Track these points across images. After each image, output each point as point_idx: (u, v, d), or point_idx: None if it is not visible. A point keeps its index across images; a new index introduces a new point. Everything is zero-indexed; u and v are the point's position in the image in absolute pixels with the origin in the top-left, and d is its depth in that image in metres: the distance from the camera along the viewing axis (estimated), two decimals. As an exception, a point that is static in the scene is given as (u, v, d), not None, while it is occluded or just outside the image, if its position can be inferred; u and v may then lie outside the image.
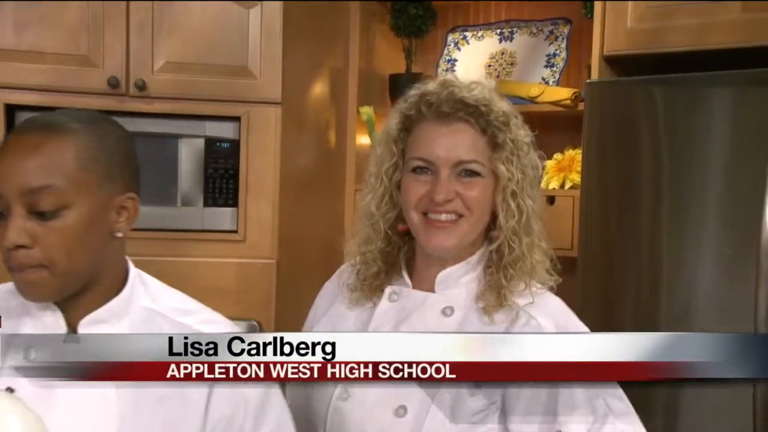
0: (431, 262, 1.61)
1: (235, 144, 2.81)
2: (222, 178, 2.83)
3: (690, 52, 2.49)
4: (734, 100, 2.33)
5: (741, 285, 2.27)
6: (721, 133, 2.34)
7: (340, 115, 3.24)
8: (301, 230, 3.00)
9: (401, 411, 1.52)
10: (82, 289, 1.36)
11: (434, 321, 1.57)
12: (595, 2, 2.60)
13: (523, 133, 1.58)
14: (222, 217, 2.84)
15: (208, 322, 1.45)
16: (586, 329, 1.58)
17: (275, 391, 1.44)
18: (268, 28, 2.82)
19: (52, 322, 1.37)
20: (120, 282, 1.41)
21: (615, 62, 2.65)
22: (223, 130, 2.83)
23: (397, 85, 3.26)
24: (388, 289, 1.64)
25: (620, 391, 1.52)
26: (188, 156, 2.84)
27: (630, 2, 2.57)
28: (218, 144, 2.82)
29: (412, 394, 1.53)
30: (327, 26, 3.16)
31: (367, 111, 3.17)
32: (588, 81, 2.52)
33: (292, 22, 2.86)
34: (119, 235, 1.37)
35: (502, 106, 1.57)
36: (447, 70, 3.33)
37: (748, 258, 2.26)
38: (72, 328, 1.37)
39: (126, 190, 1.37)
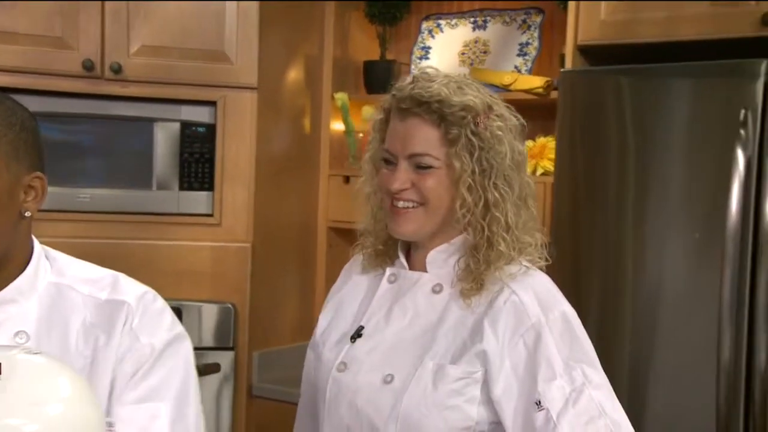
0: (418, 245, 1.69)
1: (210, 128, 2.86)
2: (197, 162, 2.87)
3: (660, 44, 2.54)
4: (699, 90, 2.38)
5: (707, 267, 2.33)
6: (686, 121, 2.40)
7: (315, 101, 3.28)
8: (276, 214, 3.05)
9: (389, 378, 1.60)
10: None
11: (425, 298, 1.65)
12: None
13: (495, 125, 1.62)
14: (197, 200, 2.88)
15: (117, 291, 1.47)
16: (569, 307, 1.63)
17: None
18: (244, 13, 2.86)
19: None
20: (27, 261, 1.42)
21: (588, 52, 2.68)
22: (199, 115, 2.88)
23: (372, 72, 3.34)
24: (388, 271, 1.72)
25: (597, 363, 1.59)
26: (164, 140, 2.89)
27: None
28: (194, 128, 2.86)
29: (400, 364, 1.61)
30: (302, 13, 3.19)
31: (341, 97, 3.22)
32: (562, 70, 2.57)
33: (268, 7, 2.90)
34: (27, 214, 1.36)
35: (464, 100, 1.60)
36: (421, 57, 3.35)
37: (714, 241, 2.31)
38: None
39: (33, 170, 1.37)
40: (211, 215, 2.85)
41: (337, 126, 3.33)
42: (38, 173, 1.37)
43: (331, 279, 3.24)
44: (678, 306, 2.37)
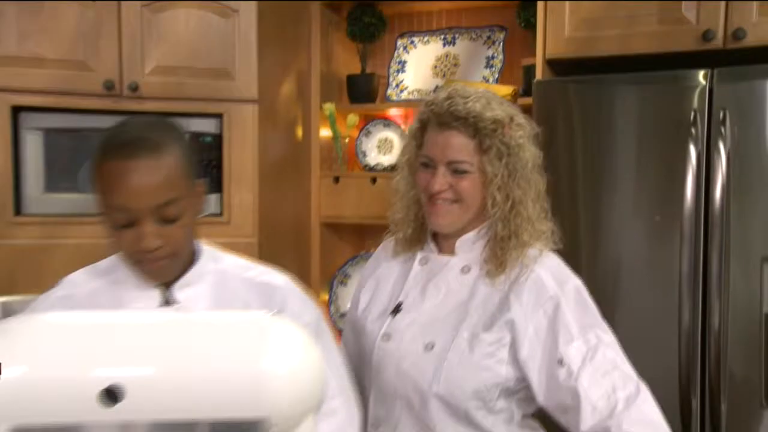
0: (447, 232, 1.78)
1: (217, 138, 2.85)
2: (207, 168, 2.86)
3: (616, 57, 2.62)
4: (652, 96, 2.45)
5: (666, 245, 2.42)
6: (644, 122, 2.48)
7: (305, 111, 3.30)
8: (277, 212, 3.07)
9: (430, 345, 1.69)
10: None
11: (455, 278, 1.75)
12: (538, 13, 2.70)
13: (518, 134, 1.71)
14: (208, 202, 2.89)
15: (264, 274, 1.62)
16: (579, 281, 1.73)
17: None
18: (244, 35, 2.87)
19: (157, 292, 1.52)
20: (192, 253, 1.55)
21: (554, 64, 2.75)
22: (207, 126, 2.87)
23: (354, 85, 3.38)
24: (419, 255, 1.81)
25: (606, 326, 1.70)
26: None
27: (567, 13, 2.67)
28: (203, 138, 2.85)
29: (439, 333, 1.70)
30: (292, 34, 3.21)
31: (329, 107, 3.26)
32: (535, 81, 2.62)
33: (264, 30, 2.91)
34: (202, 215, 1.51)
35: (494, 114, 1.69)
36: (398, 71, 3.39)
37: (672, 223, 2.41)
38: (165, 293, 1.51)
39: (196, 180, 1.49)
40: (220, 215, 2.86)
41: (325, 133, 3.35)
42: (198, 182, 1.49)
43: (324, 267, 3.34)
44: (641, 280, 2.44)
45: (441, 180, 1.70)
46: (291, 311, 1.56)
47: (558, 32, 2.69)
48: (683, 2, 2.54)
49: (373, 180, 3.25)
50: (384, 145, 3.40)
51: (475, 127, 1.68)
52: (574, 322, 1.67)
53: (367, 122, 3.43)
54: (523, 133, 1.73)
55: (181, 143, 1.45)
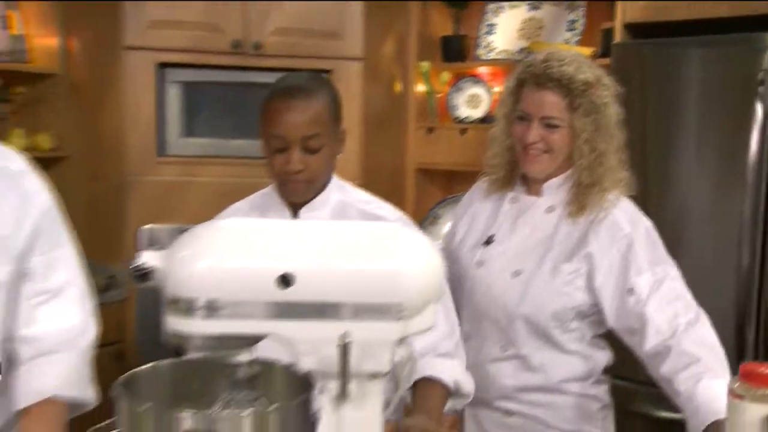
0: (537, 178, 1.83)
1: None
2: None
3: (691, 21, 2.59)
4: (722, 58, 2.44)
5: (730, 194, 2.43)
6: (716, 82, 2.45)
7: (403, 69, 3.35)
8: (377, 159, 3.15)
9: (517, 273, 1.76)
10: None
11: (541, 216, 1.80)
12: None
13: (604, 94, 1.74)
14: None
15: (381, 208, 1.73)
16: (650, 222, 1.76)
17: None
18: (353, 3, 2.94)
19: (288, 214, 1.68)
20: (327, 184, 1.69)
21: (632, 28, 2.74)
22: None
23: (447, 45, 3.40)
24: (509, 195, 1.86)
25: (672, 262, 1.73)
26: None
27: None
28: None
29: (526, 263, 1.77)
30: (393, 1, 3.24)
31: (424, 65, 3.30)
32: (613, 42, 2.63)
33: None
34: (339, 155, 1.68)
35: (585, 77, 1.71)
36: (487, 33, 3.38)
37: (737, 172, 2.40)
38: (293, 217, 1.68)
39: (340, 126, 1.66)
40: (329, 160, 2.98)
41: (420, 88, 3.39)
42: (342, 128, 1.66)
43: (417, 208, 3.39)
44: (704, 224, 2.45)
45: (535, 132, 1.74)
46: None
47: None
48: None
49: (463, 131, 3.27)
50: (473, 100, 3.38)
51: (567, 87, 1.71)
52: (644, 258, 1.71)
53: (458, 79, 3.41)
54: (608, 93, 1.75)
55: (329, 94, 1.63)
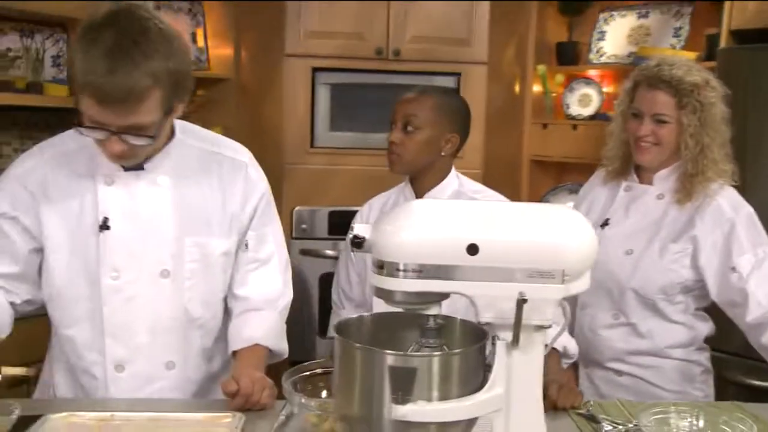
0: (648, 167, 1.86)
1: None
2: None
3: None
4: None
5: None
6: None
7: (522, 71, 3.36)
8: (497, 150, 3.18)
9: (630, 251, 1.81)
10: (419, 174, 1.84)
11: (651, 203, 1.84)
12: None
13: (711, 95, 1.76)
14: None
15: (489, 197, 1.82)
16: (751, 208, 1.76)
17: None
18: (480, 12, 2.98)
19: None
20: (445, 176, 1.83)
21: (736, 34, 2.70)
22: (448, 82, 3.00)
23: (562, 50, 3.40)
24: (624, 183, 1.90)
25: None
26: None
27: None
28: None
29: (637, 243, 1.81)
30: (515, 11, 3.27)
31: (541, 68, 3.32)
32: (720, 47, 2.60)
33: (493, 8, 3.00)
34: (443, 154, 1.80)
35: (693, 79, 1.74)
36: (598, 39, 3.37)
37: None
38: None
39: (452, 132, 1.77)
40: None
41: (537, 88, 3.40)
42: (454, 134, 1.78)
43: (530, 195, 3.38)
44: None
45: (646, 127, 1.78)
46: None
47: (742, 7, 2.65)
48: None
49: (574, 127, 3.27)
50: (584, 99, 3.36)
51: (676, 88, 1.75)
52: (746, 240, 1.72)
53: (571, 80, 3.40)
54: (715, 93, 1.77)
55: (446, 100, 1.80)
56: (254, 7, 3.06)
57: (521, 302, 0.96)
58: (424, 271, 0.98)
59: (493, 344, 1.03)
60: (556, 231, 0.99)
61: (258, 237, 1.56)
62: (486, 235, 0.97)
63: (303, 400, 1.30)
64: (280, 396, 1.34)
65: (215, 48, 3.23)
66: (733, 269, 1.72)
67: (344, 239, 1.93)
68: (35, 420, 1.24)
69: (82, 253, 1.41)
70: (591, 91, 3.37)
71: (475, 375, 1.02)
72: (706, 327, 1.86)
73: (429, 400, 0.97)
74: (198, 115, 3.23)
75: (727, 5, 2.68)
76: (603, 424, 1.34)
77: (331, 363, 1.47)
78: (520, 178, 3.41)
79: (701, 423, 1.29)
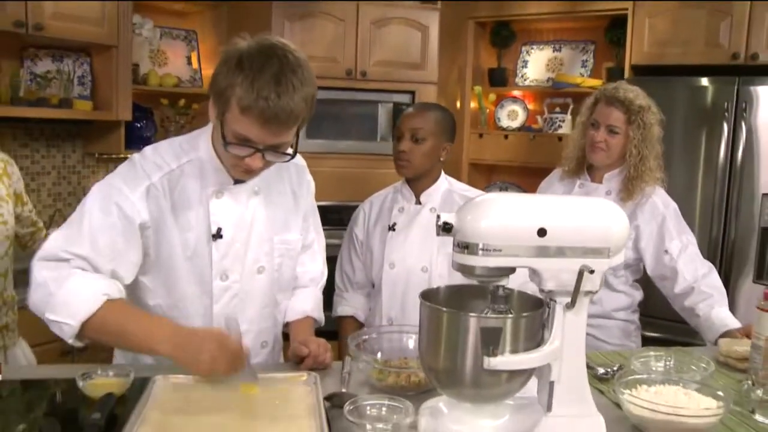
0: (598, 167, 1.93)
1: (409, 106, 2.97)
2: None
3: (678, 66, 2.72)
4: (699, 91, 2.54)
5: (707, 185, 2.51)
6: (693, 109, 2.50)
7: (462, 90, 3.41)
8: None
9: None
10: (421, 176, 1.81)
11: (602, 198, 1.84)
12: (627, 29, 2.78)
13: (650, 116, 1.82)
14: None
15: (473, 193, 1.82)
16: (676, 205, 1.84)
17: None
18: (430, 43, 3.00)
19: (413, 197, 1.81)
20: (437, 179, 1.81)
21: (636, 68, 2.85)
22: (404, 99, 3.01)
23: (493, 74, 3.45)
24: (578, 181, 1.96)
25: (690, 231, 1.84)
26: (384, 113, 3.02)
27: (646, 35, 2.74)
28: (401, 106, 2.94)
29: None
30: (457, 42, 3.32)
31: (477, 89, 3.38)
32: (624, 78, 2.67)
33: (441, 39, 3.03)
34: (441, 160, 1.81)
35: (640, 102, 1.81)
36: (522, 66, 3.44)
37: (710, 171, 2.49)
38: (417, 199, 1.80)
39: (447, 142, 1.77)
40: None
41: (473, 105, 3.46)
42: (449, 143, 1.77)
43: None
44: (690, 203, 2.33)
45: (601, 135, 1.86)
46: None
47: (639, 46, 2.77)
48: (720, 33, 2.59)
49: (505, 136, 3.32)
50: (512, 114, 3.41)
51: (628, 107, 1.82)
52: (674, 229, 1.82)
53: (501, 99, 3.46)
54: (655, 117, 1.86)
55: (442, 117, 1.76)
56: (242, 34, 2.97)
57: (586, 272, 1.02)
58: (500, 250, 1.01)
59: (549, 308, 1.07)
60: (604, 217, 1.05)
61: (306, 227, 1.55)
62: (552, 221, 1.01)
63: (369, 358, 1.34)
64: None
65: (207, 69, 3.13)
66: (666, 252, 1.79)
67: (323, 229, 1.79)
68: (146, 381, 1.22)
69: (199, 260, 1.35)
70: (517, 108, 3.42)
71: (537, 333, 1.07)
72: (639, 294, 1.94)
73: (509, 353, 1.01)
74: (192, 126, 3.13)
75: (628, 45, 2.80)
76: (597, 369, 1.40)
77: (381, 329, 1.52)
78: (460, 177, 3.29)
79: (672, 363, 1.40)
